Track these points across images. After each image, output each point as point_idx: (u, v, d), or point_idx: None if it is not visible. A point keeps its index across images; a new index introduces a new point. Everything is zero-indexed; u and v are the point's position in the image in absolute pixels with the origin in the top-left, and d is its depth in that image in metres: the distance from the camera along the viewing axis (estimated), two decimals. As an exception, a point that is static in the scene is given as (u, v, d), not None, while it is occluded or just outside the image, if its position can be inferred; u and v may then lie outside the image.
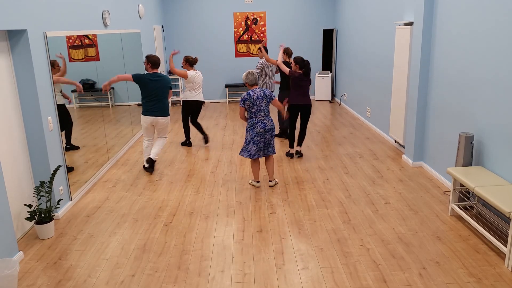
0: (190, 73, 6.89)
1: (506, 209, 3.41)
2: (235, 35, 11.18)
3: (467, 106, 4.71)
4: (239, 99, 11.45)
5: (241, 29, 11.15)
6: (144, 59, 5.85)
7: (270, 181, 5.38)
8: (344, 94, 10.35)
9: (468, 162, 4.49)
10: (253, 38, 11.21)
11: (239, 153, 5.25)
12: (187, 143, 7.33)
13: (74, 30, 5.22)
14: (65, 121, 4.94)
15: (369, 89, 8.33)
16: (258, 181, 5.38)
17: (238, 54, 11.31)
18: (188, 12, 10.99)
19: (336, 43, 10.97)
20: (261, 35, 11.18)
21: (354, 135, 7.69)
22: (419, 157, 5.93)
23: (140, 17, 8.42)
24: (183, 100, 7.05)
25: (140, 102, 8.21)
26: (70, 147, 5.11)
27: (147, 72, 5.76)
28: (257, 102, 5.07)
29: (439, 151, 5.40)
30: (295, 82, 6.15)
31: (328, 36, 11.24)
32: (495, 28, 4.16)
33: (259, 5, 11.04)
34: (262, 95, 5.09)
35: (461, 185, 4.42)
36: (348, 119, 9.01)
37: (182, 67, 7.17)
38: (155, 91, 5.71)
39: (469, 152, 4.47)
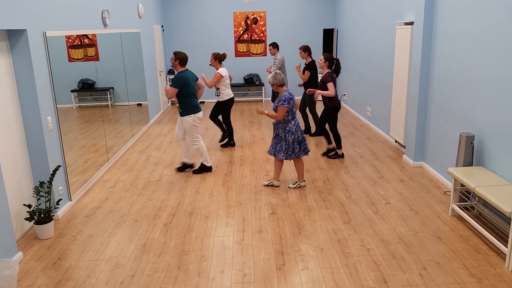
0: (223, 71, 6.75)
1: (507, 209, 3.40)
2: (235, 34, 11.17)
3: (467, 106, 4.70)
4: (240, 99, 11.46)
5: (241, 28, 11.14)
6: (172, 55, 5.65)
7: (303, 180, 5.31)
8: (345, 94, 10.34)
9: (468, 162, 4.48)
10: (253, 38, 11.20)
11: (281, 157, 5.06)
12: (231, 143, 7.14)
13: (73, 30, 5.21)
14: None
15: (369, 89, 8.32)
16: (279, 180, 5.38)
17: (238, 53, 11.29)
18: (188, 11, 10.98)
19: (337, 42, 10.96)
20: (261, 34, 11.17)
21: (355, 135, 7.68)
22: (419, 157, 5.92)
23: (139, 16, 8.41)
24: (225, 100, 6.83)
25: (140, 102, 8.19)
26: None
27: (182, 70, 5.56)
28: (294, 103, 5.05)
29: (440, 151, 5.39)
30: (335, 84, 6.08)
31: (329, 35, 11.23)
32: (495, 27, 4.15)
33: (259, 5, 11.03)
34: (293, 94, 5.13)
35: (462, 185, 4.41)
36: (349, 119, 8.99)
37: (210, 64, 7.02)
38: (194, 88, 5.66)
39: (470, 152, 4.46)
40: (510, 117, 3.97)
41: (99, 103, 6.10)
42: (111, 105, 6.62)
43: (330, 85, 6.02)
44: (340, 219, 4.44)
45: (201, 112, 5.73)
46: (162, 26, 10.74)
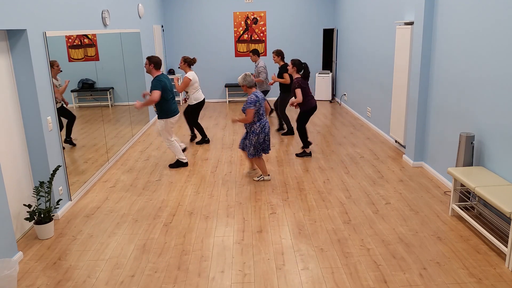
0: (192, 75, 6.84)
1: (507, 209, 3.40)
2: (235, 34, 11.17)
3: (467, 106, 4.70)
4: (239, 99, 11.46)
5: (241, 28, 11.13)
6: (146, 60, 5.73)
7: (254, 169, 5.72)
8: (345, 94, 10.34)
9: (468, 162, 4.48)
10: (253, 38, 11.20)
11: (252, 156, 5.34)
12: (205, 140, 7.33)
13: (73, 30, 5.21)
14: (68, 115, 5.00)
15: (369, 89, 8.32)
16: (269, 175, 5.57)
17: (238, 53, 11.29)
18: (188, 11, 10.98)
19: (337, 42, 10.96)
20: (261, 34, 11.16)
21: (355, 135, 7.68)
22: (419, 157, 5.92)
23: (139, 16, 8.41)
24: (196, 103, 7.00)
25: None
26: (68, 140, 5.14)
27: (158, 75, 5.64)
28: (262, 103, 5.25)
29: (440, 151, 5.39)
30: (304, 89, 6.14)
31: (329, 35, 11.23)
32: (495, 27, 4.14)
33: (259, 5, 11.03)
34: (263, 96, 5.30)
35: (462, 185, 4.41)
36: (349, 119, 8.99)
37: (179, 67, 7.09)
38: (172, 91, 5.76)
39: (470, 152, 4.46)
40: (510, 117, 3.97)
41: (99, 103, 6.10)
42: (111, 105, 6.62)
43: (297, 91, 6.11)
44: (340, 219, 4.44)
45: (176, 116, 5.88)
46: (162, 26, 10.74)
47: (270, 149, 5.49)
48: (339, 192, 5.16)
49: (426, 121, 5.74)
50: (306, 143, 6.47)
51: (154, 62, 5.66)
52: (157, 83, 5.56)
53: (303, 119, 6.37)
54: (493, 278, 3.36)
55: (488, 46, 4.27)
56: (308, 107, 6.25)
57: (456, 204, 4.38)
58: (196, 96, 6.97)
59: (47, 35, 4.47)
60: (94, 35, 5.93)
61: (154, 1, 9.90)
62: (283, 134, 7.80)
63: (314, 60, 11.39)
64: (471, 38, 4.58)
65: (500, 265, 3.52)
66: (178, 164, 6.14)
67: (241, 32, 11.16)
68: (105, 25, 6.35)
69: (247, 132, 5.39)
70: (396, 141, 6.91)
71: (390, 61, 7.10)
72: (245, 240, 4.07)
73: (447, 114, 5.17)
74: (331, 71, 11.32)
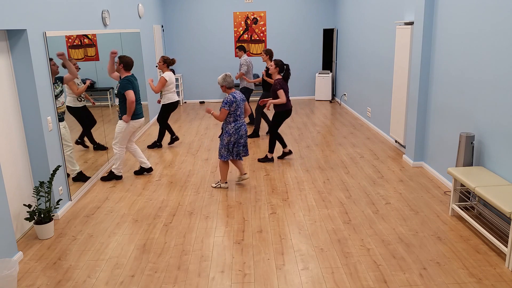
0: (168, 75, 6.75)
1: (507, 209, 3.40)
2: (235, 34, 11.17)
3: (467, 106, 4.70)
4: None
5: (241, 28, 11.13)
6: (117, 59, 5.46)
7: (245, 174, 5.41)
8: (345, 94, 10.34)
9: (468, 162, 4.48)
10: (253, 38, 11.20)
11: (220, 158, 5.17)
12: (173, 138, 7.22)
13: (73, 30, 5.21)
14: (89, 118, 5.00)
15: (369, 89, 8.32)
16: (227, 182, 5.38)
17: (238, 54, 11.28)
18: (188, 11, 10.98)
19: (337, 42, 10.96)
20: (261, 34, 11.16)
21: (355, 135, 7.68)
22: (419, 157, 5.92)
23: (139, 16, 8.41)
24: (167, 104, 6.90)
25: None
26: (80, 142, 5.17)
27: (126, 76, 5.42)
28: (240, 105, 5.09)
29: (440, 151, 5.39)
30: (285, 90, 5.97)
31: (329, 35, 11.23)
32: (495, 28, 4.14)
33: (259, 5, 11.03)
34: (242, 97, 5.14)
35: (462, 185, 4.41)
36: (349, 119, 9.00)
37: (156, 66, 6.96)
38: (139, 93, 5.54)
39: (470, 152, 4.46)
40: (510, 117, 3.97)
41: (99, 103, 6.10)
42: (111, 105, 6.62)
43: (280, 92, 5.90)
44: (340, 219, 4.44)
45: (141, 120, 5.57)
46: (162, 26, 10.74)
47: (247, 154, 5.29)
48: (339, 192, 5.16)
49: (426, 121, 5.75)
50: (272, 148, 6.26)
51: (124, 62, 5.42)
52: (127, 84, 5.32)
53: (278, 122, 6.12)
54: (493, 278, 3.36)
55: (488, 46, 4.27)
56: (284, 108, 6.02)
57: (456, 204, 4.38)
58: (169, 96, 6.88)
59: (47, 35, 4.47)
60: (94, 35, 5.93)
61: (154, 1, 9.90)
62: (249, 136, 7.61)
63: (314, 60, 11.39)
64: (471, 38, 4.58)
65: (500, 265, 3.52)
66: (111, 177, 5.70)
67: (241, 32, 11.16)
68: (105, 25, 6.35)
69: (222, 133, 5.22)
70: (396, 141, 6.91)
71: (390, 61, 7.10)
72: (245, 240, 4.07)
73: (447, 114, 5.17)
74: (331, 71, 11.32)
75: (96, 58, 5.97)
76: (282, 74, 6.09)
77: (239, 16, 11.05)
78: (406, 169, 5.86)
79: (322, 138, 7.55)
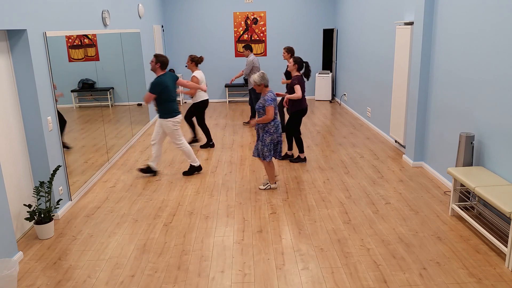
0: (199, 74, 6.75)
1: (507, 209, 3.40)
2: (235, 34, 11.17)
3: (467, 106, 4.70)
4: (240, 99, 11.46)
5: (241, 28, 11.14)
6: (153, 58, 5.48)
7: (275, 183, 5.29)
8: (345, 94, 10.34)
9: (468, 162, 4.48)
10: (253, 38, 11.20)
11: (264, 159, 5.06)
12: (210, 144, 7.13)
13: (73, 30, 5.21)
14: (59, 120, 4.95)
15: (369, 89, 8.32)
16: (275, 182, 5.31)
17: (238, 53, 11.30)
18: (188, 11, 10.98)
19: (337, 43, 10.96)
20: (261, 35, 11.17)
21: (355, 135, 7.68)
22: (419, 157, 5.92)
23: (140, 16, 8.41)
24: (199, 102, 6.84)
25: (140, 102, 8.20)
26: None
27: (161, 74, 5.40)
28: (276, 103, 5.09)
29: (440, 151, 5.39)
30: (303, 88, 5.94)
31: (328, 36, 11.23)
32: (495, 28, 4.15)
33: (259, 5, 11.03)
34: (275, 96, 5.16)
35: (462, 185, 4.41)
36: (349, 119, 9.00)
37: (186, 66, 7.00)
38: (174, 92, 5.53)
39: (470, 152, 4.46)
40: (510, 117, 3.97)
41: (99, 103, 6.10)
42: (111, 105, 6.62)
43: (297, 87, 5.85)
44: (340, 219, 4.44)
45: (179, 116, 5.62)
46: (162, 26, 10.74)
47: (281, 156, 5.20)
48: (339, 192, 5.16)
49: (426, 121, 5.75)
50: (302, 148, 6.19)
51: (161, 62, 5.39)
52: (155, 87, 5.29)
53: (296, 121, 6.05)
54: (493, 278, 3.36)
55: (488, 46, 4.27)
56: (301, 107, 5.97)
57: (456, 204, 4.39)
58: (201, 94, 6.86)
59: (47, 35, 4.47)
60: (94, 35, 5.93)
61: (154, 1, 9.90)
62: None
63: (314, 60, 11.39)
64: (471, 38, 4.58)
65: (500, 265, 3.52)
66: (193, 170, 5.86)
67: (241, 32, 11.16)
68: (105, 25, 6.35)
69: (259, 135, 5.12)
70: (396, 141, 6.91)
71: (390, 61, 7.10)
72: (245, 240, 4.07)
73: (447, 114, 5.17)
74: (331, 71, 11.32)
75: (96, 58, 5.97)
76: (302, 71, 6.04)
77: (239, 16, 11.05)
78: (406, 169, 5.86)
79: (322, 138, 7.55)
